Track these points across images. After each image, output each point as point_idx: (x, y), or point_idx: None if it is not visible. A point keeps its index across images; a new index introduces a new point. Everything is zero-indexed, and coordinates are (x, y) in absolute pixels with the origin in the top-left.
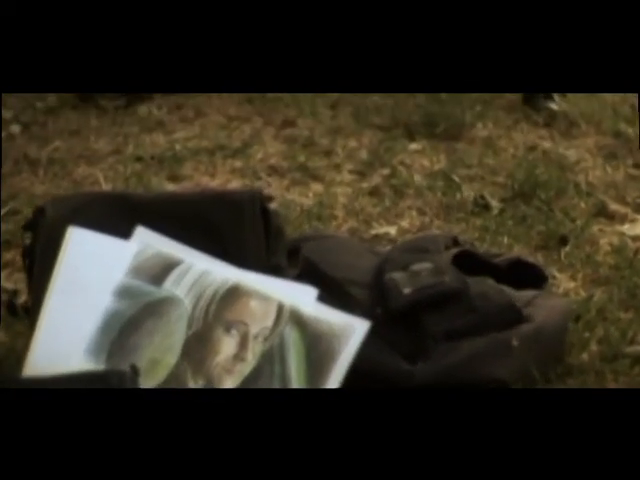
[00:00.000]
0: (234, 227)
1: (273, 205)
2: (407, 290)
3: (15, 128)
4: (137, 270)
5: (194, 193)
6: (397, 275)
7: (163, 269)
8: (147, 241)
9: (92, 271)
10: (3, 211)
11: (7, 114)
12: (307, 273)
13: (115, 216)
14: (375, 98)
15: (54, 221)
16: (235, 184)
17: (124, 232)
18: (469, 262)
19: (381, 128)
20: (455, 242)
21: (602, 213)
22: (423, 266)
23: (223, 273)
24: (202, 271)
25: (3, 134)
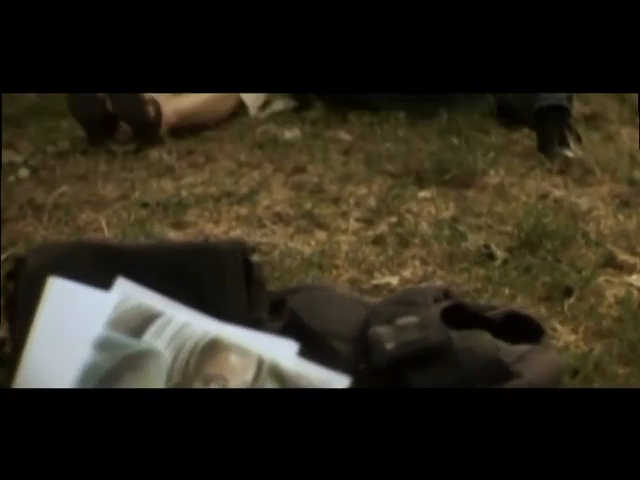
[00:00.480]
0: (215, 279)
1: (258, 256)
2: (390, 345)
3: (24, 172)
4: (117, 322)
5: (176, 244)
6: (381, 329)
7: (143, 321)
8: (127, 292)
9: (72, 322)
10: (3, 257)
11: (17, 158)
12: (291, 326)
13: (96, 266)
14: (388, 145)
15: (35, 271)
16: (239, 232)
17: (105, 283)
18: (460, 316)
19: (392, 175)
20: (446, 295)
21: (610, 263)
22: (408, 320)
23: (203, 326)
24: (182, 324)
25: (11, 178)
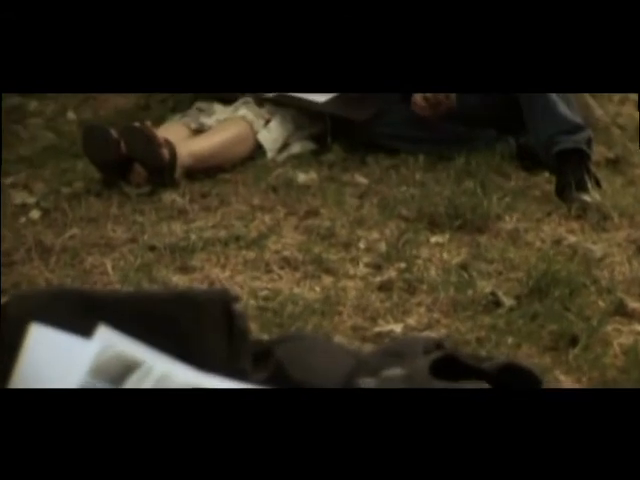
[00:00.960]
0: (196, 329)
1: (240, 305)
2: None
3: (35, 214)
4: (97, 370)
5: (159, 292)
6: (366, 381)
7: (124, 370)
8: (109, 341)
9: (53, 370)
10: (3, 300)
11: (30, 200)
12: (276, 377)
13: (78, 314)
14: (404, 189)
15: (16, 318)
16: (245, 276)
17: (86, 330)
18: (454, 368)
19: (405, 219)
20: (438, 346)
21: (620, 311)
22: (394, 372)
23: (184, 376)
24: (162, 373)
25: (23, 220)
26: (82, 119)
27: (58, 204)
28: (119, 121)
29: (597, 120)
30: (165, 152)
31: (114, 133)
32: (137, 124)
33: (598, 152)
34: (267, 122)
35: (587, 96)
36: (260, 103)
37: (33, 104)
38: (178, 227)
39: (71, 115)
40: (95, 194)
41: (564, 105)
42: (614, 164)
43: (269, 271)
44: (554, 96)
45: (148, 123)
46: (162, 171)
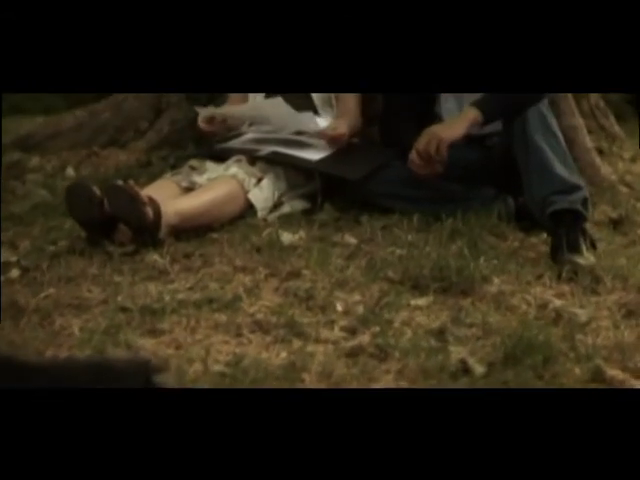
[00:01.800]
0: None
1: (164, 375)
2: None
3: (15, 273)
4: None
5: (81, 361)
6: None
7: None
8: None
9: None
10: None
11: (12, 258)
12: None
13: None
14: (393, 249)
15: None
16: (214, 340)
17: None
18: None
19: (390, 281)
20: None
21: (597, 379)
22: None
23: None
24: None
25: (2, 279)
26: (81, 176)
27: (39, 263)
28: (119, 178)
29: (603, 179)
30: (149, 211)
31: (97, 191)
32: (120, 182)
33: (601, 211)
34: (259, 180)
35: (594, 154)
36: (252, 161)
37: (35, 160)
38: (154, 288)
39: (70, 172)
40: (79, 253)
41: (560, 164)
42: (617, 224)
43: (239, 335)
44: (550, 154)
45: (131, 182)
46: (146, 230)
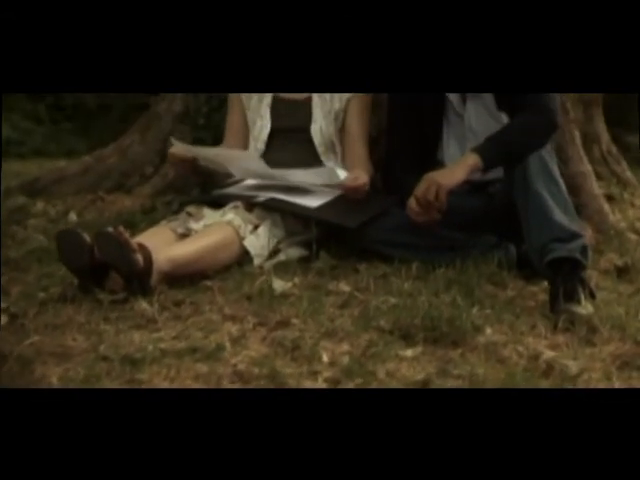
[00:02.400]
0: None
1: None
2: None
3: (2, 319)
4: None
5: None
6: None
7: None
8: None
9: None
10: None
11: (3, 304)
12: None
13: None
14: (387, 298)
15: None
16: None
17: None
18: None
19: (381, 331)
20: None
21: None
22: None
23: None
24: None
25: None
26: (84, 221)
27: (28, 309)
28: (121, 223)
29: (611, 226)
30: (139, 258)
31: (87, 238)
32: (110, 229)
33: (608, 259)
34: (255, 227)
35: (602, 201)
36: (249, 208)
37: (40, 205)
38: (139, 337)
39: (72, 217)
40: (69, 300)
41: (560, 211)
42: (622, 272)
43: (218, 386)
44: (550, 201)
45: (121, 228)
46: (136, 277)
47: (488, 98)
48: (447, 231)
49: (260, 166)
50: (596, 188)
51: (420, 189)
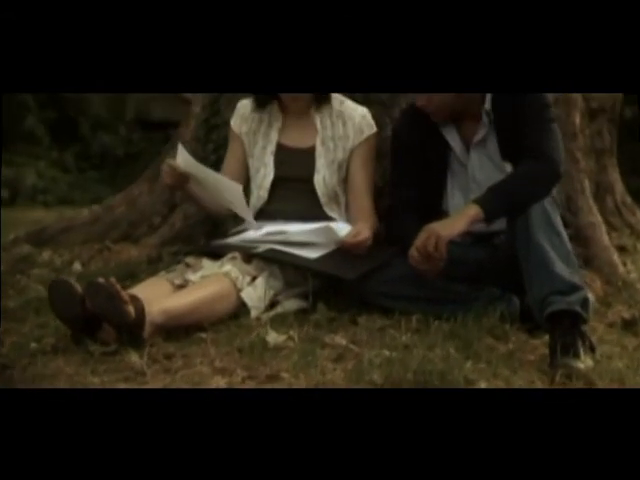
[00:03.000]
0: None
1: None
2: None
3: None
4: None
5: None
6: None
7: None
8: None
9: None
10: None
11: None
12: None
13: None
14: (381, 351)
15: None
16: None
17: None
18: None
19: (373, 385)
20: None
21: None
22: None
23: None
24: None
25: None
26: (88, 271)
27: (18, 361)
28: (126, 274)
29: (620, 277)
30: (130, 309)
31: (78, 288)
32: (101, 279)
33: (615, 312)
34: (253, 279)
35: (611, 252)
36: (247, 259)
37: (46, 254)
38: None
39: (77, 267)
40: (62, 351)
41: (562, 263)
42: (629, 325)
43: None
44: (551, 253)
45: (112, 279)
46: (128, 329)
47: (492, 148)
48: (450, 283)
49: (249, 219)
50: (606, 239)
51: (420, 240)
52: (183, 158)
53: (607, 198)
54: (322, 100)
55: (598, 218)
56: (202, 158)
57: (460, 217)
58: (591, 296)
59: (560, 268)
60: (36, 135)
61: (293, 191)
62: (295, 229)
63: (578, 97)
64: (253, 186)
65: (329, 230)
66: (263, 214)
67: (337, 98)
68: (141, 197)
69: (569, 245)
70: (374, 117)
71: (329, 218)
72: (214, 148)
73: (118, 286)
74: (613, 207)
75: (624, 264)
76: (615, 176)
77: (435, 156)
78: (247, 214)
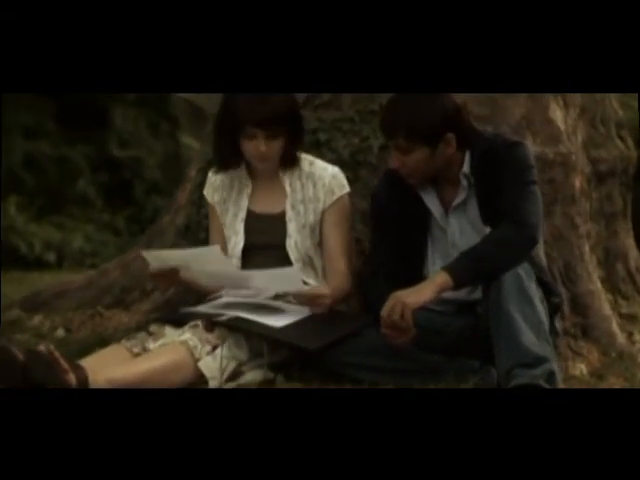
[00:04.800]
0: None
1: None
2: None
3: None
4: None
5: None
6: None
7: None
8: None
9: None
10: None
11: None
12: None
13: None
14: None
15: None
16: None
17: None
18: None
19: None
20: None
21: None
22: None
23: None
24: None
25: None
26: (72, 337)
27: None
28: (113, 340)
29: (618, 348)
30: (70, 378)
31: (19, 356)
32: (42, 347)
33: (609, 384)
34: (214, 348)
35: (610, 321)
36: (210, 327)
37: (37, 319)
38: None
39: (60, 332)
40: None
41: (531, 333)
42: None
43: None
44: (521, 323)
45: (51, 347)
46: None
47: (473, 212)
48: (422, 353)
49: (226, 263)
50: (606, 308)
51: (386, 308)
52: (153, 258)
53: (617, 265)
54: (290, 162)
55: (598, 286)
56: (196, 222)
57: (427, 285)
58: (583, 367)
59: (528, 339)
60: (88, 198)
61: (266, 258)
62: (261, 278)
63: (579, 160)
64: (227, 255)
65: (293, 275)
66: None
67: (306, 159)
68: (135, 262)
69: (542, 314)
70: (362, 179)
71: (305, 284)
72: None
73: (57, 354)
74: (625, 274)
75: (630, 334)
76: (629, 241)
77: (414, 221)
78: (232, 267)
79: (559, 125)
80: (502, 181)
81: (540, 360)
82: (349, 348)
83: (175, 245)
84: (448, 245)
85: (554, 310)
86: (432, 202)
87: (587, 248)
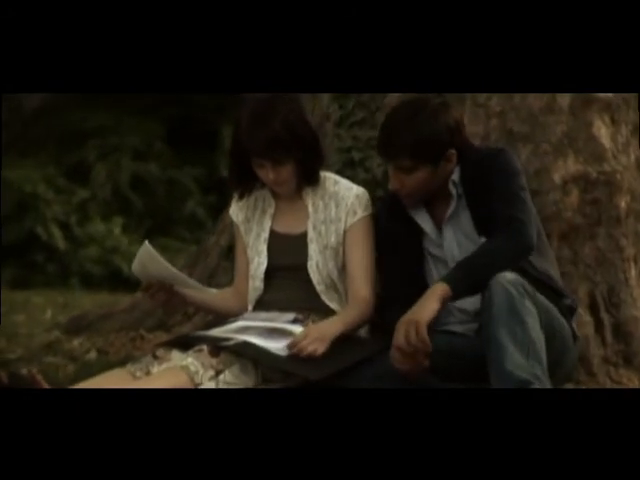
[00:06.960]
0: None
1: None
2: None
3: None
4: None
5: None
6: None
7: None
8: None
9: None
10: None
11: None
12: None
13: None
14: None
15: None
16: None
17: None
18: None
19: None
20: None
21: None
22: None
23: None
24: None
25: None
26: (105, 360)
27: None
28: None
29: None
30: None
31: (4, 379)
32: (25, 371)
33: None
34: (218, 373)
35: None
36: (215, 352)
37: (77, 341)
38: None
39: (92, 355)
40: None
41: (520, 355)
42: None
43: None
44: (508, 344)
45: (34, 370)
46: None
47: (467, 225)
48: (434, 379)
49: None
50: None
51: (399, 336)
52: (148, 258)
53: None
54: (312, 181)
55: None
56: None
57: (429, 296)
58: None
59: (513, 363)
60: (198, 219)
61: (289, 280)
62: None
63: (625, 179)
64: (250, 277)
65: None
66: (260, 305)
67: (331, 178)
68: None
69: (534, 331)
70: None
71: (327, 308)
72: None
73: (39, 377)
74: None
75: None
76: None
77: (410, 242)
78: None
79: (603, 143)
80: (491, 189)
81: (523, 384)
82: (359, 375)
83: (218, 266)
84: (448, 261)
85: (570, 312)
86: (424, 221)
87: (633, 272)
